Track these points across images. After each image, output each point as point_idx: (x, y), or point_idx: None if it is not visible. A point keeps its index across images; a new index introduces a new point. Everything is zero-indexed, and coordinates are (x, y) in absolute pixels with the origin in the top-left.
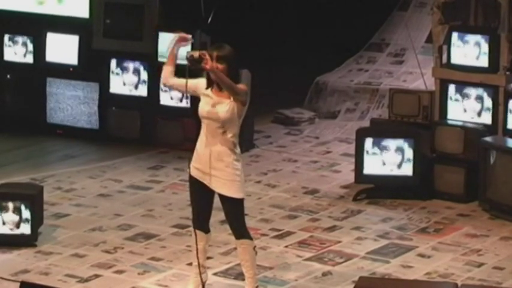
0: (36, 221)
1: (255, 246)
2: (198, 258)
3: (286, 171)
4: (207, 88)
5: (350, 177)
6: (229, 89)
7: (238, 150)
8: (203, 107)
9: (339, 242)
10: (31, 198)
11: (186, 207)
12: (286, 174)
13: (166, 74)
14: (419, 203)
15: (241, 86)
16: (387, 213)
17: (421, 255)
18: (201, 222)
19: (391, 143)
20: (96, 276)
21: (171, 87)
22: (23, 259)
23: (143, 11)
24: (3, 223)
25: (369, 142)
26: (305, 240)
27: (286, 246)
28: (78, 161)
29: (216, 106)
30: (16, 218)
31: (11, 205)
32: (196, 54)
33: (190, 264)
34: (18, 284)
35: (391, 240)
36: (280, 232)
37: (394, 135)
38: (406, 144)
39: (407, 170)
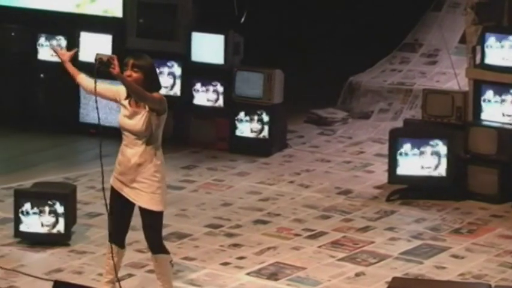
0: (70, 220)
1: (171, 260)
2: (116, 271)
3: (319, 172)
4: (126, 98)
5: (383, 178)
6: (137, 95)
7: (159, 160)
8: (121, 118)
9: (372, 242)
10: (65, 197)
11: (220, 206)
12: (319, 174)
13: (84, 82)
14: (452, 203)
15: (155, 94)
16: (420, 213)
17: (455, 256)
18: (117, 236)
19: (425, 144)
20: (129, 275)
21: (93, 93)
22: (57, 258)
23: (176, 10)
24: (42, 224)
25: (402, 142)
26: (338, 241)
27: (319, 247)
28: (111, 160)
29: (132, 118)
30: (52, 218)
31: (45, 204)
32: (105, 57)
33: (223, 264)
34: (52, 283)
35: (424, 240)
36: (313, 232)
37: (427, 136)
38: (440, 144)
39: (440, 170)
